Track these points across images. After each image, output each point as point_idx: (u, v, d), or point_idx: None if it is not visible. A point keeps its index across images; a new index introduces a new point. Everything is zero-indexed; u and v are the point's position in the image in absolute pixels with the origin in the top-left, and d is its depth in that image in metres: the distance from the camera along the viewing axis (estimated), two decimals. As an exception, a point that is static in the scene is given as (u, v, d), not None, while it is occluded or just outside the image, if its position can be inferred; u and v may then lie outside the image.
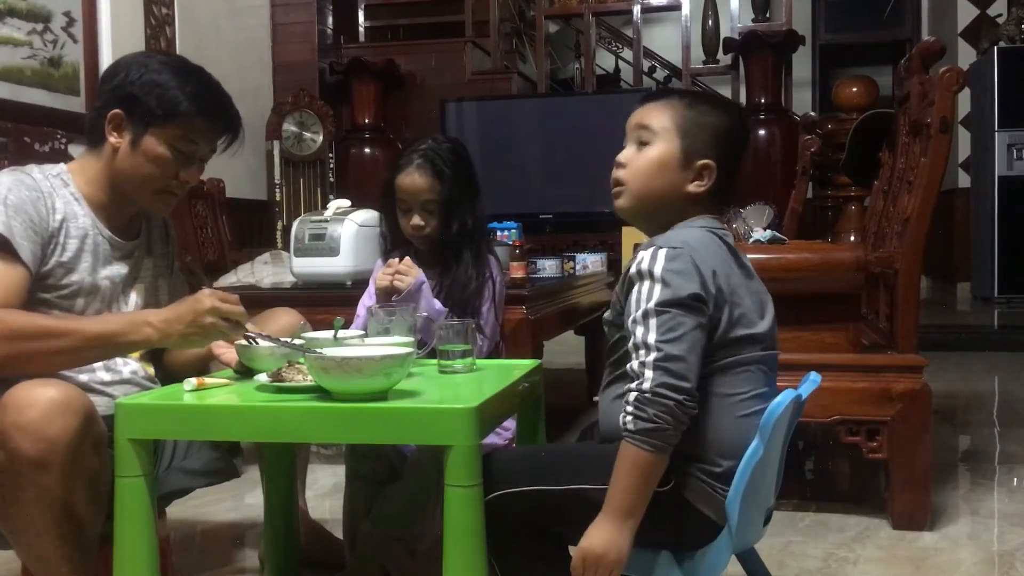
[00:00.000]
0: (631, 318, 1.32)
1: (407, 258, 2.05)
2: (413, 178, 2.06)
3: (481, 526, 1.29)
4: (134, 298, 1.76)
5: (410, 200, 2.07)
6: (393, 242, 2.18)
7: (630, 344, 1.31)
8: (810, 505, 2.50)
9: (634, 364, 1.29)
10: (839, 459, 3.05)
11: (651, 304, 1.30)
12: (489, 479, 1.33)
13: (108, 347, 1.57)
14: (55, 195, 1.65)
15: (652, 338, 1.28)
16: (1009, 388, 4.29)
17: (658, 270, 1.31)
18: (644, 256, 1.34)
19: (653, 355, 1.27)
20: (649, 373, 1.26)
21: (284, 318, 1.84)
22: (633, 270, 1.35)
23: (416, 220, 2.07)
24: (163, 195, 1.69)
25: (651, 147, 1.42)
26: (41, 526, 1.43)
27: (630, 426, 1.26)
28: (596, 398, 1.58)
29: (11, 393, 1.41)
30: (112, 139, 1.66)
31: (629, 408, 1.27)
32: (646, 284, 1.32)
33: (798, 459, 3.06)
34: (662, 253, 1.32)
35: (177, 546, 2.14)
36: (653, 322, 1.29)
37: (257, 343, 1.56)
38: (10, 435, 1.38)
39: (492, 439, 1.96)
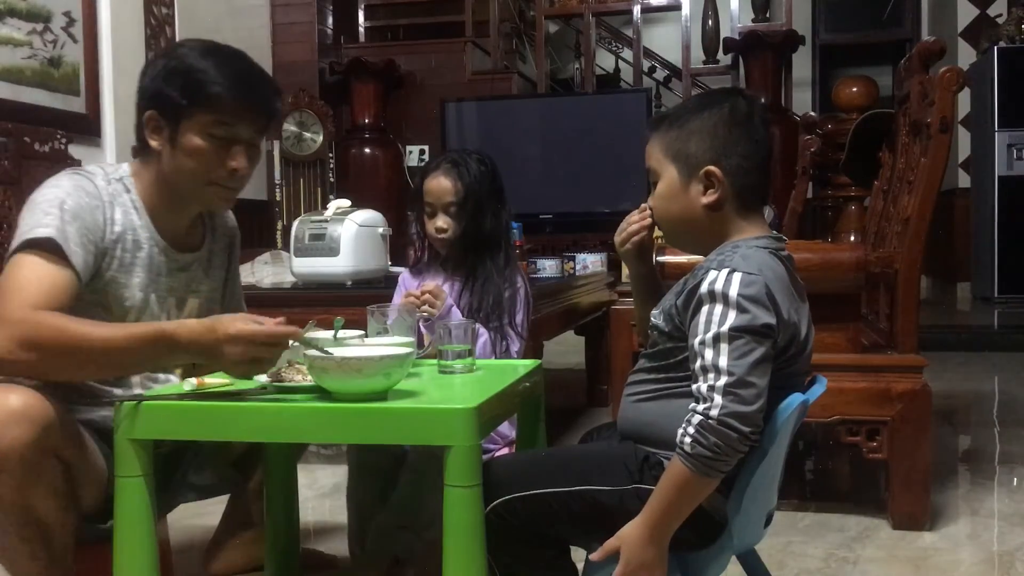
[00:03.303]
0: (698, 339, 1.28)
1: (432, 285, 2.05)
2: (439, 180, 2.12)
3: (481, 526, 1.29)
4: (187, 312, 1.72)
5: (435, 203, 2.13)
6: (422, 248, 2.24)
7: (696, 366, 1.27)
8: (810, 505, 2.50)
9: (701, 386, 1.25)
10: (839, 459, 3.05)
11: (724, 328, 1.26)
12: (490, 486, 1.32)
13: (137, 364, 1.49)
14: (115, 204, 1.60)
15: (723, 362, 1.24)
16: (1009, 388, 4.29)
17: (733, 294, 1.27)
18: (717, 277, 1.29)
19: (724, 379, 1.23)
20: (718, 399, 1.23)
21: None
22: (704, 290, 1.30)
23: (439, 223, 2.13)
24: (213, 188, 1.61)
25: (659, 183, 1.43)
26: (3, 532, 1.42)
27: (687, 448, 1.24)
28: None
29: None
30: (154, 143, 1.60)
31: (690, 430, 1.24)
32: (718, 307, 1.27)
33: (798, 459, 3.05)
34: (737, 277, 1.28)
35: (177, 546, 2.14)
36: (725, 347, 1.25)
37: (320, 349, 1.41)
38: None
39: (485, 445, 1.97)
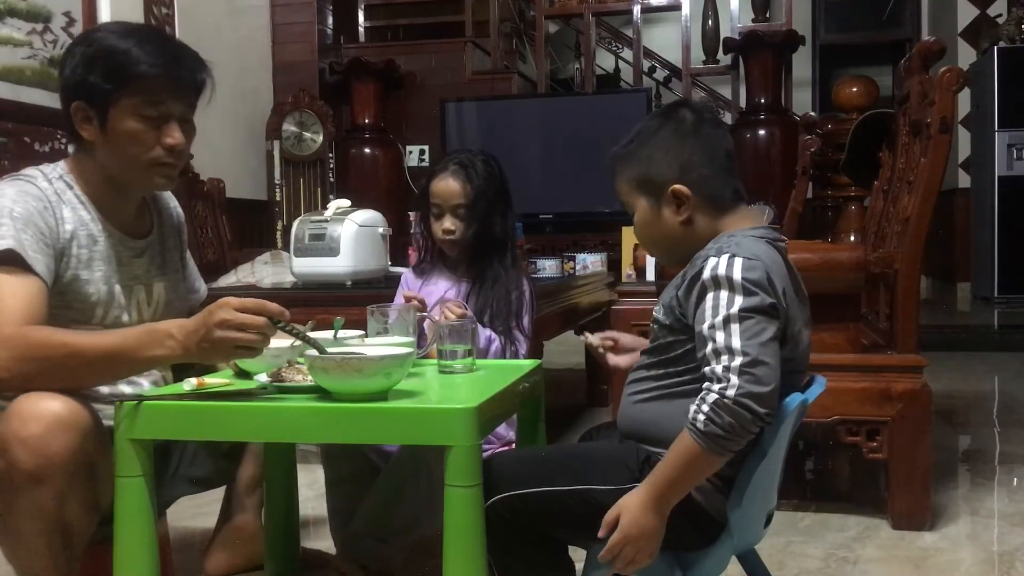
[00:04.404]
0: (707, 324, 1.28)
1: (454, 303, 2.03)
2: (447, 182, 2.11)
3: (481, 526, 1.29)
4: (155, 297, 1.72)
5: (443, 204, 2.12)
6: (426, 249, 2.24)
7: (708, 350, 1.27)
8: (810, 505, 2.50)
9: (716, 368, 1.25)
10: (839, 459, 3.05)
11: (733, 310, 1.26)
12: (490, 482, 1.32)
13: (130, 363, 1.46)
14: (62, 203, 1.58)
15: (737, 343, 1.24)
16: (1009, 388, 4.29)
17: (737, 277, 1.28)
18: (718, 263, 1.30)
19: (739, 360, 1.23)
20: (735, 379, 1.22)
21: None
22: (707, 276, 1.30)
23: (447, 224, 2.12)
24: (155, 168, 1.59)
25: (635, 215, 1.47)
26: (31, 536, 1.42)
27: (700, 425, 1.23)
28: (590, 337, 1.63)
29: (17, 403, 1.40)
30: (85, 133, 1.57)
31: (704, 408, 1.23)
32: (724, 292, 1.28)
33: (798, 459, 3.05)
34: (738, 262, 1.29)
35: (177, 546, 2.14)
36: (736, 327, 1.25)
37: (306, 337, 1.41)
38: (10, 447, 1.37)
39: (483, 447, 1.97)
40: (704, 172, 1.40)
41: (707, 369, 1.26)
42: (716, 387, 1.24)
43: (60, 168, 1.63)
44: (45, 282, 1.50)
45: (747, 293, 1.27)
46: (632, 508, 1.29)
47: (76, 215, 1.60)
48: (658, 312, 1.42)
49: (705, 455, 1.25)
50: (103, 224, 1.63)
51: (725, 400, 1.22)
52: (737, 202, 1.43)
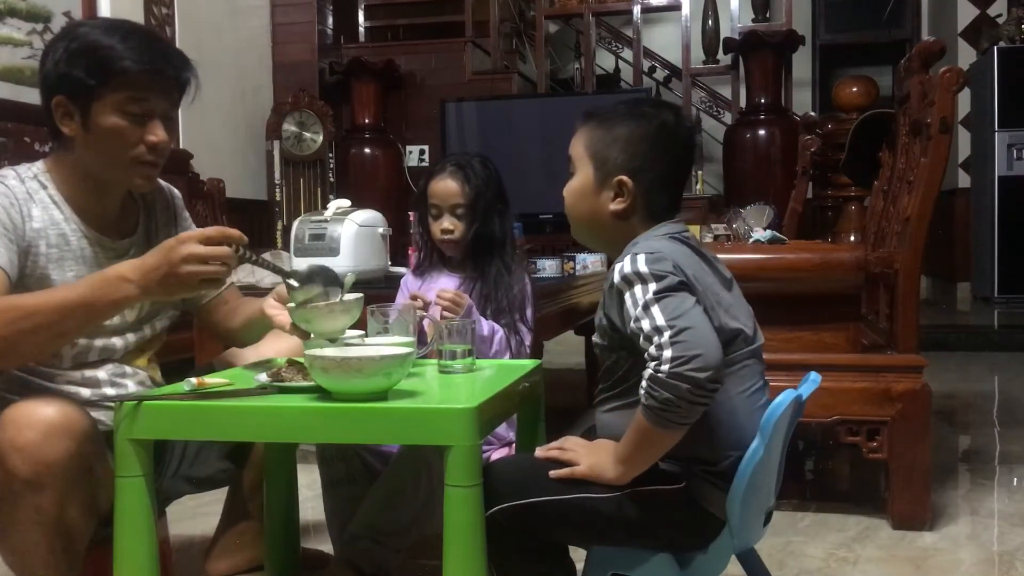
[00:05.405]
0: (632, 319, 1.30)
1: (451, 292, 2.04)
2: (446, 183, 2.14)
3: (481, 526, 1.28)
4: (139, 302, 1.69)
5: (441, 205, 2.14)
6: (425, 250, 2.25)
7: (641, 341, 1.28)
8: (810, 505, 2.50)
9: (650, 349, 1.26)
10: (839, 459, 3.05)
11: (649, 296, 1.29)
12: (489, 491, 1.32)
13: (89, 313, 1.43)
14: (32, 202, 1.55)
15: (661, 321, 1.26)
16: (1009, 388, 4.29)
17: (644, 269, 1.31)
18: (623, 264, 1.34)
19: (667, 334, 1.25)
20: (667, 353, 1.24)
21: (283, 342, 1.78)
22: (617, 279, 1.34)
23: (446, 224, 2.14)
24: (136, 167, 1.56)
25: (573, 177, 1.47)
26: (32, 541, 1.42)
27: (643, 400, 1.26)
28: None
29: (11, 411, 1.39)
30: (66, 129, 1.54)
31: (643, 384, 1.26)
32: (637, 286, 1.31)
33: (798, 459, 3.06)
34: (640, 257, 1.32)
35: (177, 547, 2.14)
36: (656, 309, 1.27)
37: (259, 261, 1.46)
38: (7, 455, 1.36)
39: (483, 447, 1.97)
40: (656, 180, 1.43)
41: (646, 355, 1.27)
42: (652, 364, 1.25)
43: (36, 168, 1.61)
44: (7, 273, 1.48)
45: (656, 278, 1.30)
46: (598, 443, 1.38)
47: (47, 214, 1.57)
48: (595, 338, 1.45)
49: (653, 428, 1.27)
50: (78, 224, 1.60)
51: (659, 375, 1.24)
52: (670, 216, 1.46)
